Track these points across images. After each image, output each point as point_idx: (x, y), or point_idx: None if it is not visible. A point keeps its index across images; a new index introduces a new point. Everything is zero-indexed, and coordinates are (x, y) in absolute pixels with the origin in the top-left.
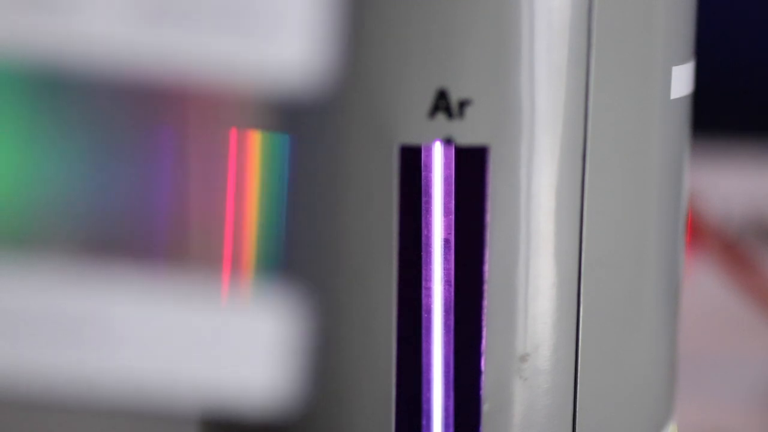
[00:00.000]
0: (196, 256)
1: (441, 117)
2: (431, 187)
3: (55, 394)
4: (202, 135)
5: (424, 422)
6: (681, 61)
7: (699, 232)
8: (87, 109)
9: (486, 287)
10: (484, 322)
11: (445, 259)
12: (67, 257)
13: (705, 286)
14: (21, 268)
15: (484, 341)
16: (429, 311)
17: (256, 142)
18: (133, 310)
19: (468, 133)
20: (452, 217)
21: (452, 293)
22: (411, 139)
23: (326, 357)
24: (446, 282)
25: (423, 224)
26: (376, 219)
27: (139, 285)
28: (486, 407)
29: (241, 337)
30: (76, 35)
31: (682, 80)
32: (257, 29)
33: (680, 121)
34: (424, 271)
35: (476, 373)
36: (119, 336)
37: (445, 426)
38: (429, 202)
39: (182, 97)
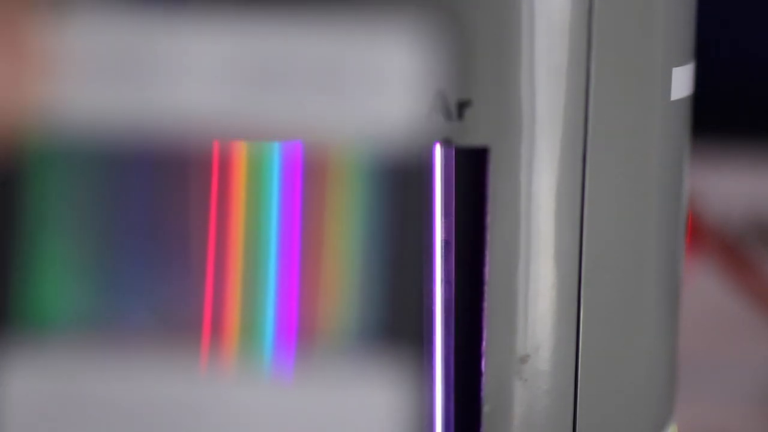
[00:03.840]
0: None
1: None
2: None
3: None
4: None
5: (425, 423)
6: (681, 63)
7: (699, 233)
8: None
9: (486, 288)
10: (485, 324)
11: (446, 261)
12: (156, 342)
13: (705, 287)
14: (110, 360)
15: (484, 342)
16: (429, 312)
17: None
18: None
19: (467, 135)
20: (452, 218)
21: (452, 294)
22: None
23: None
24: (446, 283)
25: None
26: None
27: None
28: (486, 408)
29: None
30: (168, 107)
31: (682, 82)
32: (357, 90)
33: (680, 122)
34: (424, 272)
35: (476, 374)
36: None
37: (446, 427)
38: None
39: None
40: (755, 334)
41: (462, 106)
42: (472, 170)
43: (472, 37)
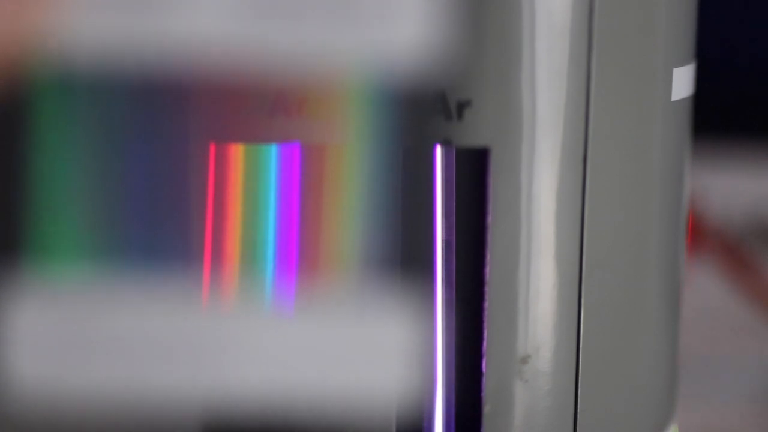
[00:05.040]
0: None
1: (439, 119)
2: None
3: (171, 414)
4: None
5: (425, 424)
6: (682, 63)
7: (700, 233)
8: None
9: (486, 288)
10: (485, 324)
11: (446, 261)
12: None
13: (706, 287)
14: (139, 290)
15: (484, 343)
16: (430, 313)
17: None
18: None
19: (467, 135)
20: (453, 218)
21: (452, 294)
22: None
23: None
24: (446, 283)
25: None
26: None
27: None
28: (487, 409)
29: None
30: (181, 34)
31: (683, 82)
32: (368, 16)
33: (681, 123)
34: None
35: (477, 374)
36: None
37: (446, 428)
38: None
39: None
40: (755, 334)
41: (462, 106)
42: (472, 170)
43: (473, 37)
